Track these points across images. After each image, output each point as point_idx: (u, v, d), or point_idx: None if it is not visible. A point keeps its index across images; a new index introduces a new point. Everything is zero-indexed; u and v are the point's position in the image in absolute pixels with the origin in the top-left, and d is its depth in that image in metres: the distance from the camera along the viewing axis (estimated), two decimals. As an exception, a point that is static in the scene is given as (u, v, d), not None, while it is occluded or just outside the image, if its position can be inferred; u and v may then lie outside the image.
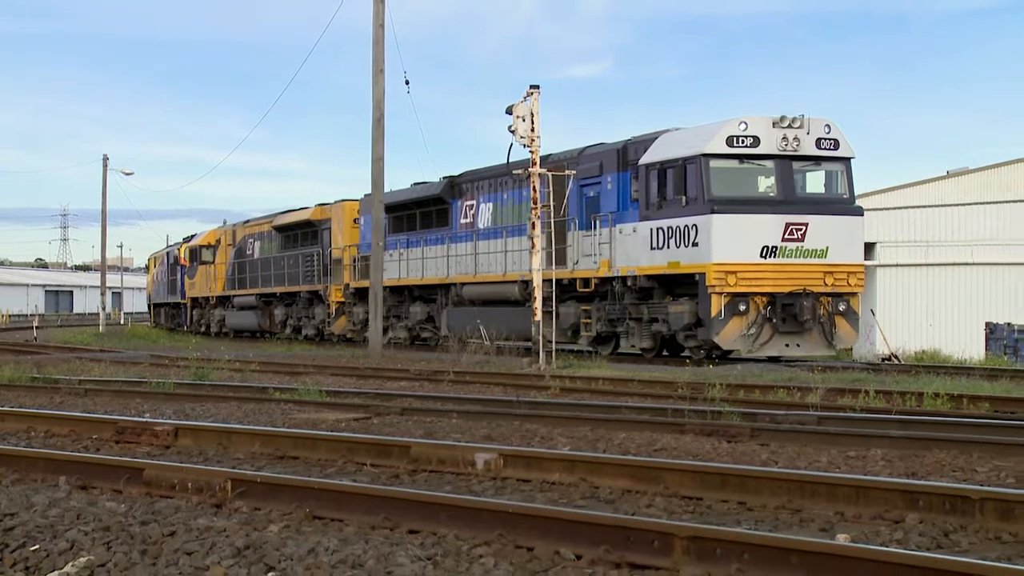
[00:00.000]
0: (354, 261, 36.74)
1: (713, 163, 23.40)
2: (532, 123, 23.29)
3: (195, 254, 49.91)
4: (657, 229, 24.20)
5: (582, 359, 25.75)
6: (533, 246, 24.00)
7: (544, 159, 25.91)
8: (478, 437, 10.68)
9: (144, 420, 11.64)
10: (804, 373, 19.33)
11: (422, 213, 34.78)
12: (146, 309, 76.90)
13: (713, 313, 22.79)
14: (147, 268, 68.94)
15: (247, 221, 47.36)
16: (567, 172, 26.48)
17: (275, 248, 42.94)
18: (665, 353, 26.79)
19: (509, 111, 23.31)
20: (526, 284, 26.34)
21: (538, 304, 23.98)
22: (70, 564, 5.56)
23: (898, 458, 8.97)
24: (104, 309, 67.55)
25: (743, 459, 9.01)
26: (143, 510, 6.79)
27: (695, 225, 23.20)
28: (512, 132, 23.34)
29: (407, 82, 38.75)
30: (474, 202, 32.01)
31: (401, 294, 35.84)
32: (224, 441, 10.44)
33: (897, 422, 11.23)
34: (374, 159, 30.19)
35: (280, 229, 42.48)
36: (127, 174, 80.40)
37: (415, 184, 35.66)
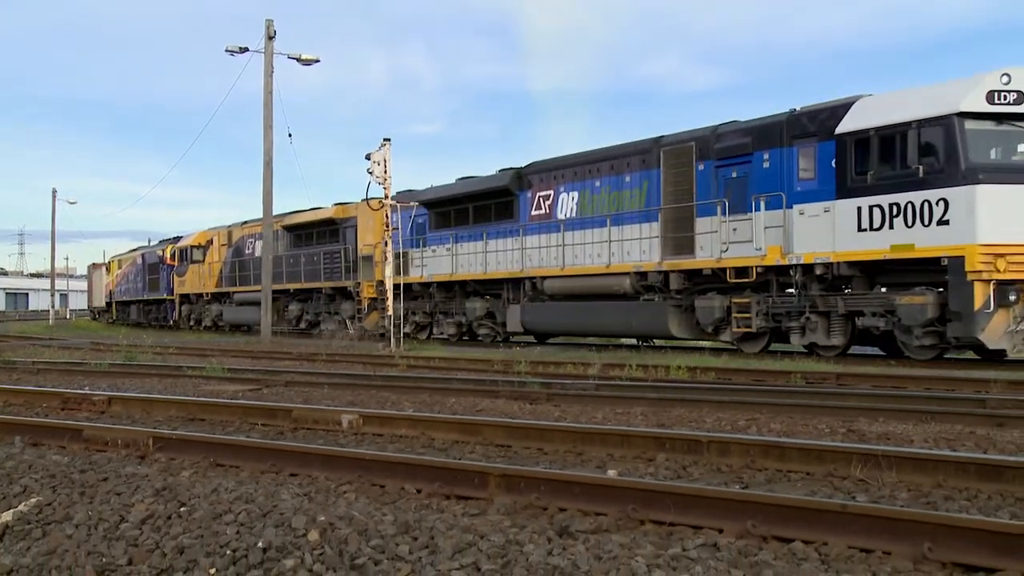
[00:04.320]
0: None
1: (970, 124, 15.47)
2: (385, 167, 23.09)
3: (185, 254, 43.07)
4: (870, 207, 16.18)
5: (422, 344, 25.59)
6: (386, 258, 23.59)
7: (657, 140, 20.47)
8: (344, 402, 10.57)
9: (84, 392, 11.22)
10: (587, 352, 19.63)
11: (477, 207, 25.85)
12: (86, 308, 72.04)
13: (977, 305, 14.95)
14: (107, 269, 59.28)
15: (245, 222, 39.61)
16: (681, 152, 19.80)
17: (283, 247, 35.27)
18: (875, 352, 18.64)
19: (368, 157, 23.07)
20: (642, 276, 20.55)
21: (390, 299, 23.36)
22: (23, 503, 5.44)
23: (652, 413, 9.11)
24: (53, 307, 65.38)
25: (541, 416, 9.06)
26: (82, 461, 6.66)
27: (944, 199, 15.30)
28: (370, 173, 23.08)
29: (290, 135, 38.59)
30: (550, 192, 23.42)
31: (450, 290, 27.12)
32: (147, 407, 10.14)
33: (652, 387, 11.39)
34: (264, 192, 29.55)
35: (291, 228, 34.99)
36: (72, 203, 79.32)
37: (463, 179, 27.23)
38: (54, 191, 64.18)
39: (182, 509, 5.08)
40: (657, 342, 23.18)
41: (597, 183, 22.19)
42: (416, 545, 4.27)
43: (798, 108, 17.99)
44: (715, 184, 19.14)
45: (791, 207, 17.55)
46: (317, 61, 30.03)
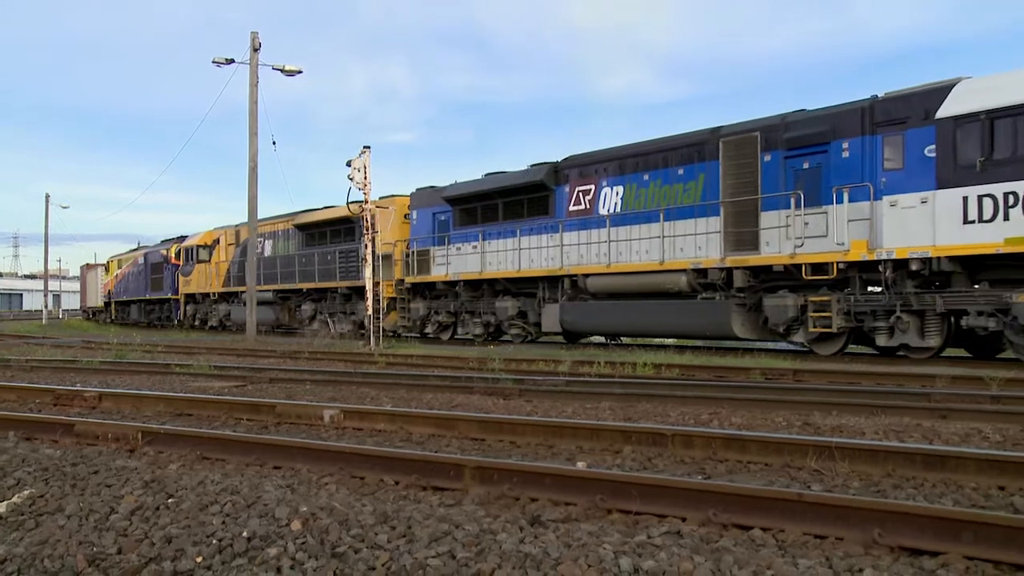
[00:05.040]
0: (405, 256, 27.06)
1: None
2: (365, 173, 22.99)
3: (191, 253, 40.42)
4: (980, 197, 14.21)
5: (401, 341, 25.49)
6: (366, 261, 23.43)
7: (714, 131, 18.50)
8: (325, 398, 10.53)
9: (76, 388, 11.11)
10: (557, 350, 19.64)
11: (507, 203, 23.53)
12: (78, 308, 70.21)
13: None
14: (105, 269, 56.15)
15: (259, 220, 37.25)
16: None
17: (295, 246, 33.03)
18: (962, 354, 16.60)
19: (348, 164, 22.98)
20: (701, 273, 18.45)
21: (370, 301, 23.11)
22: (16, 495, 5.40)
23: (619, 408, 9.13)
24: (46, 308, 64.78)
25: (514, 411, 9.05)
26: (74, 455, 6.60)
27: None
28: (350, 179, 22.94)
29: (274, 142, 38.05)
30: (590, 187, 21.19)
31: (477, 288, 24.85)
32: (137, 403, 10.07)
33: (619, 383, 11.37)
34: (249, 197, 29.36)
35: (304, 227, 32.43)
36: (64, 207, 79.23)
37: (491, 174, 24.83)
38: (47, 196, 64.81)
39: (170, 500, 5.05)
40: (625, 340, 22.82)
41: (645, 176, 20.04)
42: (394, 534, 4.27)
43: (880, 94, 16.06)
44: (783, 176, 17.21)
45: (879, 198, 15.58)
46: (300, 72, 29.94)
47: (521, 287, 23.43)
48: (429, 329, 26.20)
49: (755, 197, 17.57)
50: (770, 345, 20.40)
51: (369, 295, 23.11)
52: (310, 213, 32.17)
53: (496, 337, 24.38)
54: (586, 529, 4.33)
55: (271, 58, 34.32)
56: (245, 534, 4.36)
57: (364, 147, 23.08)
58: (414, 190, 27.30)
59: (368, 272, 23.21)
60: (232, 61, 29.11)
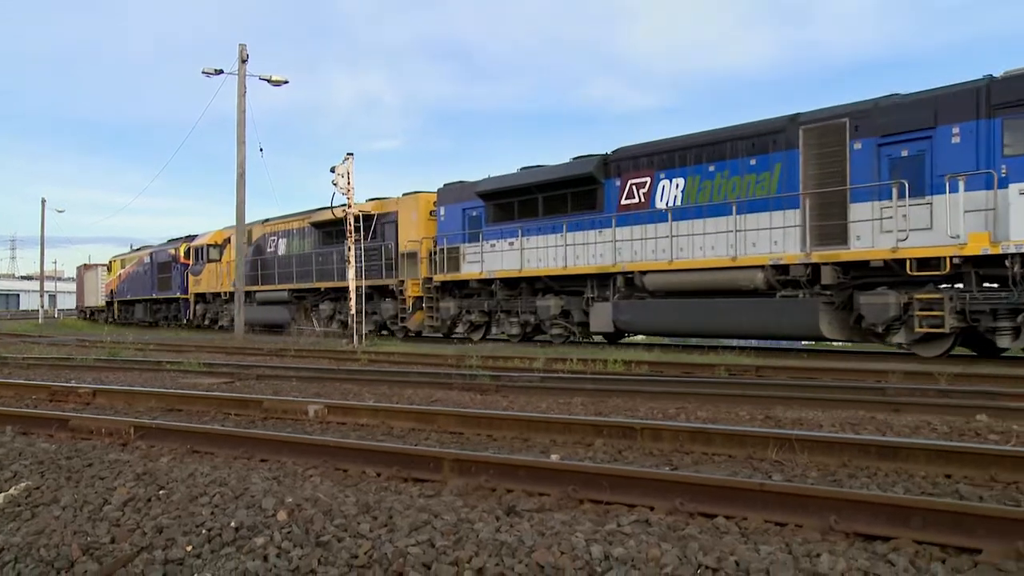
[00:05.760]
0: (432, 255, 24.81)
1: None
2: (348, 179, 22.90)
3: (201, 253, 38.03)
4: None
5: (383, 340, 25.38)
6: (349, 262, 23.31)
7: (793, 118, 16.43)
8: (310, 394, 10.49)
9: (71, 385, 11.01)
10: (533, 348, 19.66)
11: (549, 197, 21.25)
12: (74, 308, 68.76)
13: None
14: (107, 269, 53.24)
15: (266, 220, 34.28)
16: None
17: (310, 244, 30.64)
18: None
19: (333, 170, 22.90)
20: (781, 269, 16.34)
21: (352, 300, 22.82)
22: (13, 488, 5.36)
23: (591, 403, 9.14)
24: (42, 308, 64.00)
25: (490, 406, 9.06)
26: (69, 449, 6.56)
27: None
28: (335, 184, 22.87)
29: (261, 150, 38.21)
30: (645, 179, 18.97)
31: (515, 287, 22.57)
32: (129, 399, 10.00)
33: (591, 380, 11.41)
34: (238, 203, 29.22)
35: (320, 225, 29.88)
36: (60, 211, 79.25)
37: (527, 168, 22.35)
38: (43, 200, 63.95)
39: (161, 492, 5.03)
40: (596, 338, 21.96)
41: (710, 167, 17.85)
42: (376, 524, 4.26)
43: (997, 74, 14.13)
44: (876, 164, 15.15)
45: (1004, 187, 13.54)
46: (286, 82, 29.82)
47: (564, 285, 21.28)
48: (460, 329, 24.30)
49: (843, 188, 15.53)
50: (734, 343, 20.48)
51: (352, 295, 22.98)
52: (327, 211, 29.41)
53: (529, 338, 22.65)
54: (559, 518, 4.34)
55: (259, 69, 34.24)
56: (233, 524, 4.34)
57: (347, 154, 23.00)
58: (441, 185, 25.07)
59: (351, 274, 23.08)
60: (221, 72, 28.98)
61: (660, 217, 18.67)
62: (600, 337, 21.80)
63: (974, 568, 3.55)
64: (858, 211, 15.38)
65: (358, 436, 7.36)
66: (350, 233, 23.21)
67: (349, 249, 23.24)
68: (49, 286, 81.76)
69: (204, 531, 4.32)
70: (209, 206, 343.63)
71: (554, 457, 6.06)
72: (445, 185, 24.81)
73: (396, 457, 5.72)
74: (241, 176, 28.98)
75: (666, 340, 21.69)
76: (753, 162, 17.10)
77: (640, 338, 22.51)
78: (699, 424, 7.01)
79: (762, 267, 16.62)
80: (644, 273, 18.88)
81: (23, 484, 5.43)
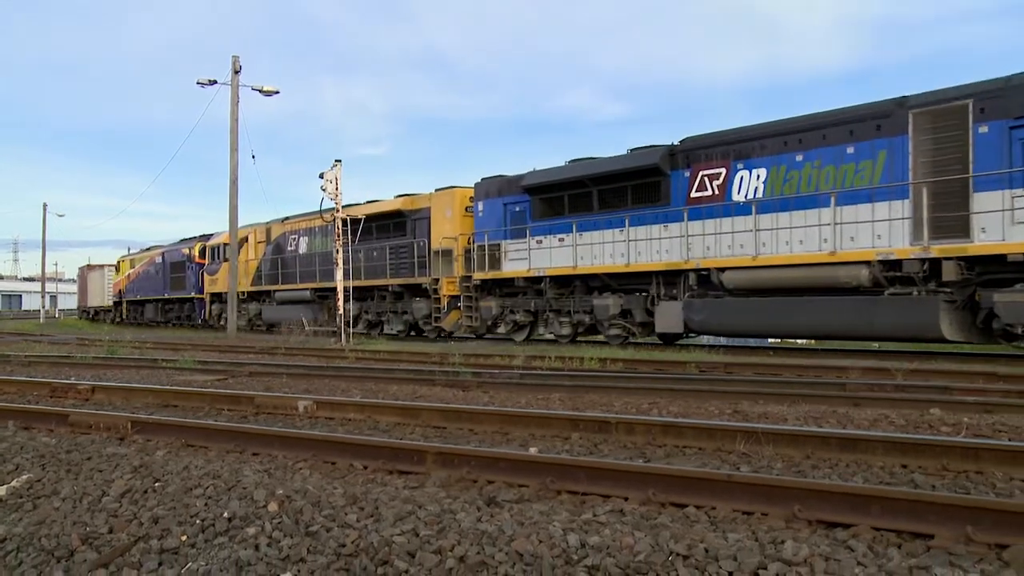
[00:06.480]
0: (468, 252, 22.75)
1: None
2: (336, 184, 22.85)
3: (217, 252, 35.96)
4: None
5: (369, 339, 25.26)
6: (337, 264, 23.14)
7: (900, 101, 14.40)
8: (300, 390, 10.45)
9: (71, 381, 10.94)
10: (513, 346, 19.66)
11: (605, 191, 19.11)
12: (75, 308, 67.29)
13: None
14: (116, 268, 50.86)
15: (286, 218, 31.83)
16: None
17: (334, 242, 25.71)
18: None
19: (321, 176, 22.84)
20: (891, 265, 14.39)
21: (340, 300, 22.72)
22: (15, 480, 5.34)
23: (568, 398, 9.17)
24: (44, 308, 63.79)
25: (472, 401, 9.06)
26: (68, 443, 6.55)
27: None
28: (323, 190, 22.79)
29: (253, 156, 37.79)
30: (720, 170, 16.92)
31: (566, 285, 20.50)
32: (127, 395, 9.94)
33: (568, 376, 11.45)
34: (231, 207, 29.08)
35: (345, 223, 25.66)
36: (60, 216, 78.61)
37: (577, 161, 20.27)
38: (45, 205, 64.30)
39: (157, 484, 5.01)
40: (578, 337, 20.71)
41: (798, 156, 15.79)
42: (363, 514, 4.26)
43: None
44: (1007, 149, 13.18)
45: None
46: (277, 92, 29.70)
47: (623, 283, 19.25)
48: (502, 329, 22.13)
49: (965, 176, 13.60)
50: (703, 340, 20.53)
51: (340, 295, 22.90)
52: (353, 208, 27.33)
53: (573, 339, 20.54)
54: (538, 509, 4.36)
55: (251, 79, 34.05)
56: (226, 515, 4.33)
57: (336, 160, 22.95)
58: (479, 179, 22.85)
59: (339, 275, 23.01)
60: (215, 82, 28.83)
61: (740, 210, 16.59)
62: (654, 338, 19.96)
63: (927, 552, 3.59)
64: (984, 201, 13.40)
65: (346, 430, 7.35)
66: (338, 236, 23.15)
67: (337, 252, 23.15)
68: (50, 287, 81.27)
69: (198, 521, 4.31)
70: (205, 211, 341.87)
71: (533, 450, 6.06)
72: (483, 179, 22.72)
73: (382, 450, 5.71)
74: (234, 182, 28.86)
75: (726, 339, 20.26)
76: (851, 150, 15.07)
77: (706, 339, 20.68)
78: (671, 418, 7.04)
79: (867, 262, 14.59)
80: (722, 270, 16.80)
81: (25, 476, 5.40)
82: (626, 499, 4.57)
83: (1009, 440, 6.01)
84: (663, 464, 5.37)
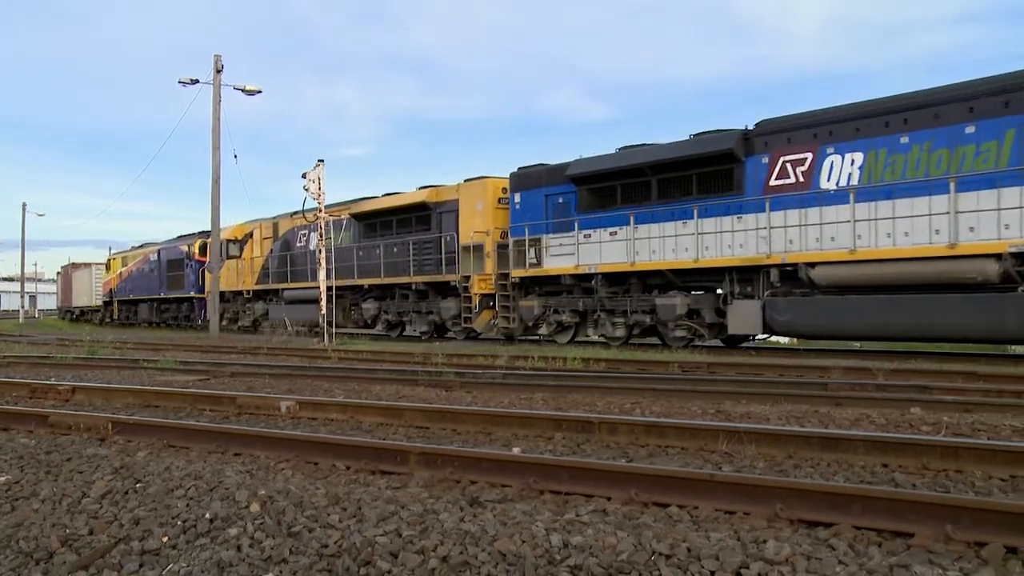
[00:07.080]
0: (501, 248, 20.99)
1: None
2: (319, 184, 22.81)
3: (220, 248, 32.82)
4: None
5: (351, 339, 25.17)
6: (320, 264, 23.11)
7: (970, 85, 13.48)
8: (282, 390, 10.41)
9: (50, 382, 10.85)
10: (496, 346, 19.65)
11: (666, 179, 17.33)
12: (55, 308, 66.21)
13: None
14: (107, 267, 48.22)
15: (294, 213, 28.99)
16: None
17: (350, 238, 26.46)
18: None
19: (304, 176, 22.79)
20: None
21: (323, 300, 22.59)
22: (-7, 482, 5.27)
23: (551, 398, 9.17)
24: (23, 308, 63.30)
25: (455, 401, 9.04)
26: (48, 444, 6.49)
27: None
28: (306, 190, 22.74)
29: (235, 156, 37.58)
30: (805, 155, 15.07)
31: (621, 282, 18.68)
32: (107, 395, 9.86)
33: (551, 376, 11.45)
34: (213, 207, 28.93)
35: (362, 217, 25.88)
36: (40, 215, 78.04)
37: (628, 148, 18.50)
38: (24, 205, 63.82)
39: (138, 485, 4.97)
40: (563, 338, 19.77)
41: (903, 138, 14.00)
42: (345, 515, 4.25)
43: None
44: None
45: None
46: (259, 92, 29.57)
47: (687, 280, 17.55)
48: (544, 330, 20.32)
49: (995, 171, 12.62)
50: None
51: (323, 295, 22.82)
52: (371, 201, 25.98)
53: (626, 341, 18.87)
54: (521, 509, 4.36)
55: (233, 79, 33.92)
56: (208, 516, 4.30)
57: (318, 160, 22.93)
58: (515, 169, 20.92)
59: (322, 275, 22.94)
60: (197, 81, 28.69)
61: (830, 199, 14.86)
62: (716, 340, 18.24)
63: (907, 551, 3.62)
64: (1015, 196, 12.60)
65: (328, 431, 7.32)
66: (321, 236, 23.10)
67: (320, 251, 23.09)
68: (30, 287, 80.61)
69: (180, 523, 4.28)
70: (187, 211, 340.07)
71: (516, 450, 6.07)
72: (520, 168, 20.77)
73: (364, 451, 5.69)
74: (216, 181, 28.72)
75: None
76: (971, 129, 13.34)
77: (777, 339, 19.02)
78: (653, 418, 7.06)
79: (997, 255, 12.85)
80: (813, 265, 15.03)
81: (3, 478, 5.34)
82: (609, 499, 4.58)
83: (988, 439, 6.07)
84: (646, 464, 5.38)
